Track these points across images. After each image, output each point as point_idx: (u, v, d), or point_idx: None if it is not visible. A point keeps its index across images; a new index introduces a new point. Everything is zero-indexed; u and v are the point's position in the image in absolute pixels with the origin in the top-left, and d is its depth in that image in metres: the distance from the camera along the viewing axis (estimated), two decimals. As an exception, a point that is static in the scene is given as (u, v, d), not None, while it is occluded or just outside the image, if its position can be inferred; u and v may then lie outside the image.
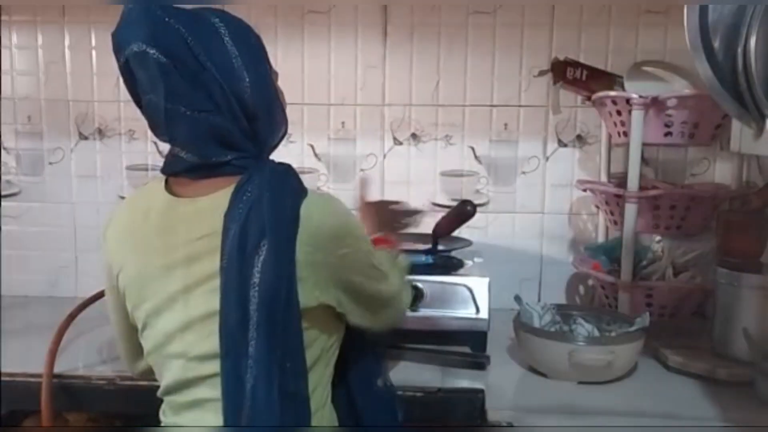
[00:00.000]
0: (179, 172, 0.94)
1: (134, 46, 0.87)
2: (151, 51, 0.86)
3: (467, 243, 1.53)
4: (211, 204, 0.90)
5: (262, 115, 0.93)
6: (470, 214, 1.37)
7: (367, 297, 0.99)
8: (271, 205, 0.87)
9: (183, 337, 0.91)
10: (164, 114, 0.89)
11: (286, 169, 0.94)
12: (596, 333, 1.33)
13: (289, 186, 0.91)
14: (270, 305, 0.85)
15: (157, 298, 0.92)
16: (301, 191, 0.91)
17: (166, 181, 0.96)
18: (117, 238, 0.98)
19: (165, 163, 0.96)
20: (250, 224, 0.86)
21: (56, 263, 1.82)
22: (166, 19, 0.86)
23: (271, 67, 0.97)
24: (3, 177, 1.80)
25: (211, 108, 0.89)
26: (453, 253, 1.51)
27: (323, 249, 0.90)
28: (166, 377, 0.95)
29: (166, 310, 0.92)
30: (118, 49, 0.90)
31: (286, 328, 0.87)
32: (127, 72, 0.91)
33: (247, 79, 0.91)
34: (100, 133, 1.79)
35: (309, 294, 0.89)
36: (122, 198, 1.80)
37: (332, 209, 0.93)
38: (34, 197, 1.81)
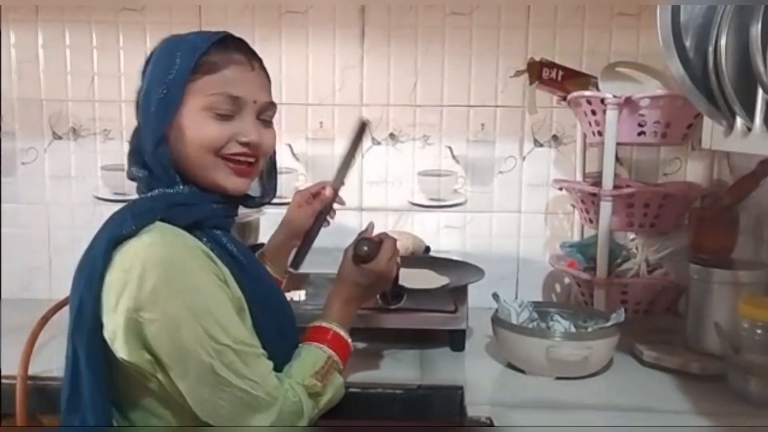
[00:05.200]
0: None
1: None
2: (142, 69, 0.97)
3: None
4: None
5: (146, 154, 0.94)
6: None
7: (188, 387, 0.85)
8: (94, 240, 0.88)
9: None
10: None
11: (149, 200, 0.91)
12: (573, 329, 1.35)
13: (121, 222, 0.86)
14: (73, 339, 0.88)
15: None
16: (129, 229, 0.84)
17: None
18: None
19: None
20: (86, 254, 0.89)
21: (29, 265, 1.79)
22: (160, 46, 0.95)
23: (177, 103, 0.91)
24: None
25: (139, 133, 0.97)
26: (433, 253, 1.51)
27: (121, 305, 0.82)
28: None
29: None
30: None
31: (90, 359, 0.86)
32: None
33: (143, 116, 0.95)
34: (75, 132, 1.76)
35: (111, 344, 0.85)
36: (97, 198, 1.77)
37: (144, 267, 0.82)
38: (7, 198, 1.77)
